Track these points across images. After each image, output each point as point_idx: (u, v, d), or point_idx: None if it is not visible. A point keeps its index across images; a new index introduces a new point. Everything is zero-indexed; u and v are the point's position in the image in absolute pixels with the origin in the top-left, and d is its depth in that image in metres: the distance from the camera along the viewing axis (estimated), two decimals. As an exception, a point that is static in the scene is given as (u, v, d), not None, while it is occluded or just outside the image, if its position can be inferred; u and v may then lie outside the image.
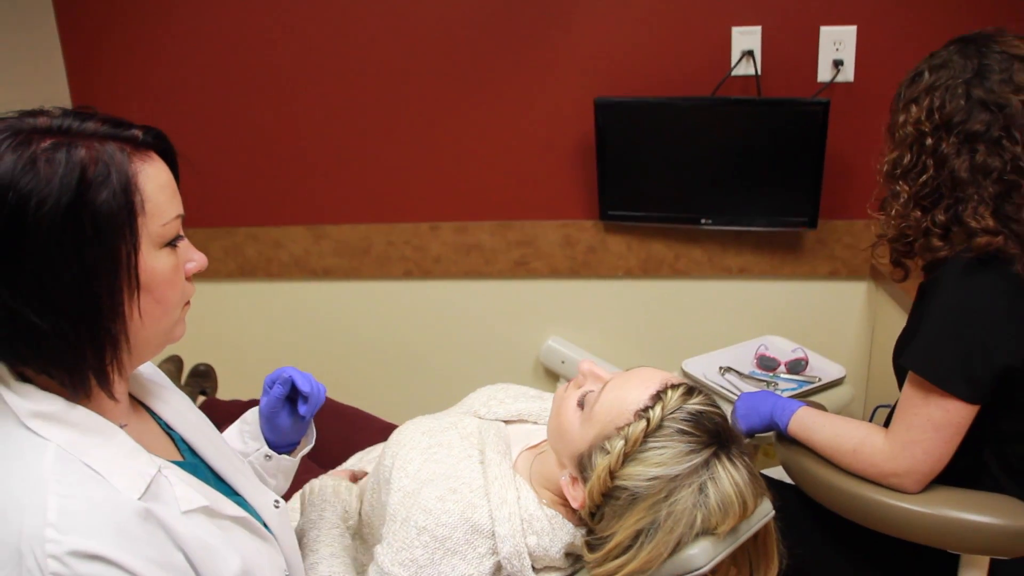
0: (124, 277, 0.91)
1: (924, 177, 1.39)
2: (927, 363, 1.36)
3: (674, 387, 1.15)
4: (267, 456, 1.33)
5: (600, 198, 2.44)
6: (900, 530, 1.40)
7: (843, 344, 2.49)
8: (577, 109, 2.38)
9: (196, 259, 1.02)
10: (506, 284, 2.63)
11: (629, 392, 1.16)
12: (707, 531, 1.10)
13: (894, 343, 1.72)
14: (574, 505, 1.18)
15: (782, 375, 2.20)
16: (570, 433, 1.19)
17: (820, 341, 2.41)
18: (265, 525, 1.13)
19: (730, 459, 1.11)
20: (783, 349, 2.31)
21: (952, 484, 1.41)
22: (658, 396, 1.14)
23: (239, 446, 1.33)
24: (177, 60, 2.52)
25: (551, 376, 2.68)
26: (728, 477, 1.10)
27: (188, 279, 1.01)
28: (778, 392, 2.06)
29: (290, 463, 1.36)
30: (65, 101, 2.54)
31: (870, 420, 1.92)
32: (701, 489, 1.09)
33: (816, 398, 2.08)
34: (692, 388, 1.16)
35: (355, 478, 1.52)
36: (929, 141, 1.38)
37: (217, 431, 1.21)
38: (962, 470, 1.40)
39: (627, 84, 2.34)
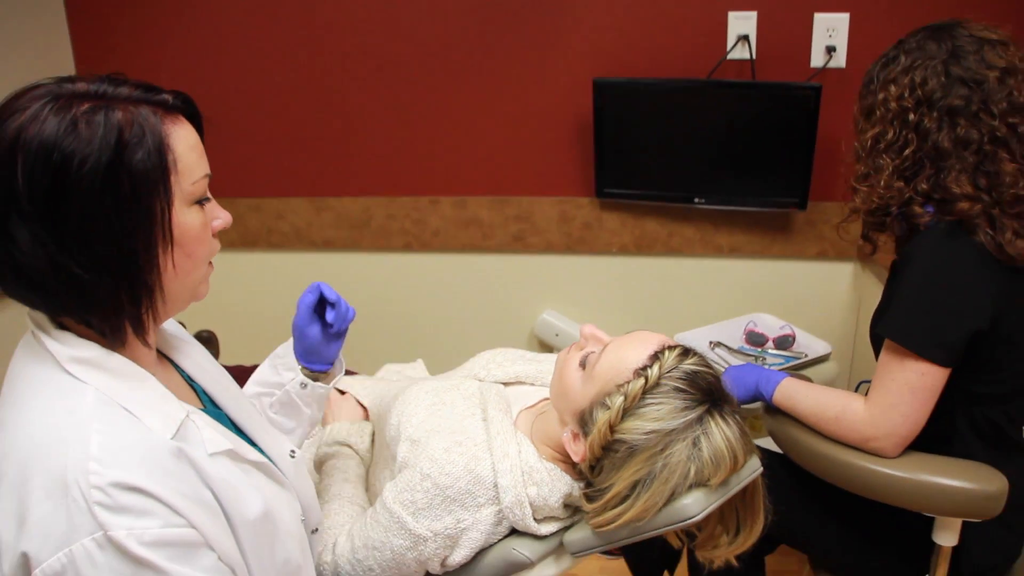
0: (159, 232, 0.96)
1: (907, 150, 1.48)
2: (902, 330, 1.45)
3: (671, 348, 1.24)
4: (303, 384, 1.40)
5: (596, 176, 2.50)
6: (881, 494, 1.48)
7: (830, 322, 2.57)
8: (576, 89, 2.44)
9: (222, 217, 1.07)
10: (503, 258, 2.69)
11: (628, 352, 1.24)
12: (700, 483, 1.18)
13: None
14: (575, 459, 1.26)
15: (770, 351, 2.28)
16: (572, 391, 1.27)
17: (807, 319, 2.49)
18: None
19: (722, 416, 1.19)
20: (771, 326, 2.39)
21: (926, 449, 1.49)
22: (656, 356, 1.22)
23: (273, 378, 1.41)
24: (181, 34, 2.57)
25: (545, 348, 2.75)
26: (720, 432, 1.18)
27: (214, 235, 1.07)
28: (766, 366, 2.14)
29: (324, 390, 1.43)
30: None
31: (853, 393, 2.00)
32: (695, 443, 1.17)
33: (802, 373, 2.15)
34: (688, 349, 1.24)
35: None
36: (911, 116, 1.47)
37: (236, 384, 1.27)
38: (935, 435, 1.48)
39: (625, 65, 2.40)
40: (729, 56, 2.35)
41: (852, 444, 1.49)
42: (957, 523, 1.48)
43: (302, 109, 2.59)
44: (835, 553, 1.68)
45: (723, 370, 1.82)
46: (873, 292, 2.45)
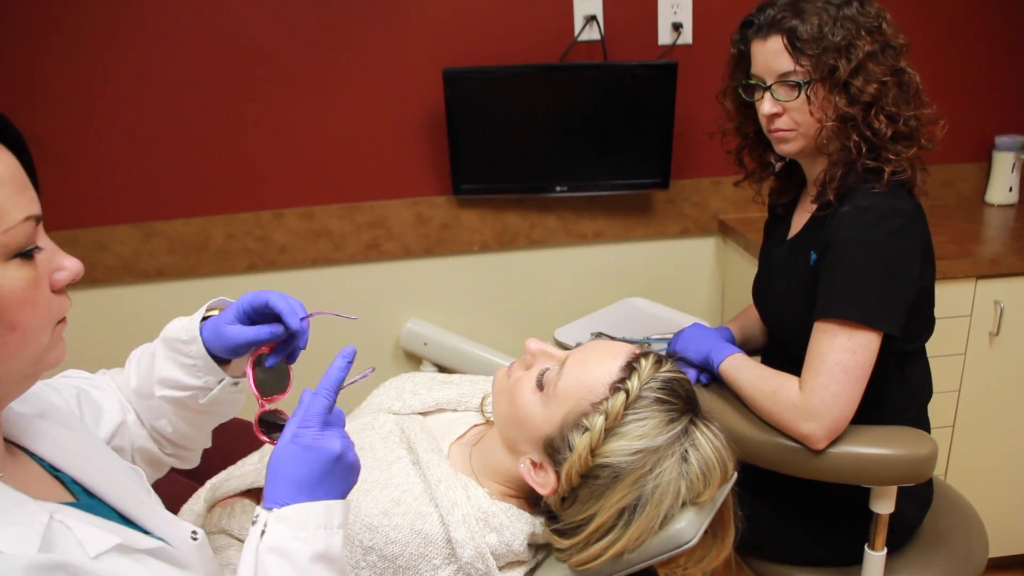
0: None
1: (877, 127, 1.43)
2: (854, 307, 1.39)
3: (644, 356, 1.12)
4: (235, 382, 1.13)
5: (452, 172, 2.37)
6: (814, 471, 1.45)
7: (698, 297, 2.58)
8: (425, 81, 2.30)
9: (68, 266, 0.84)
10: (358, 269, 2.51)
11: (597, 366, 1.11)
12: (691, 500, 1.08)
13: (748, 291, 1.81)
14: (542, 491, 1.13)
15: (653, 336, 2.24)
16: (531, 417, 1.13)
17: (678, 297, 2.48)
18: None
19: (706, 424, 1.10)
20: (646, 310, 2.35)
21: (859, 409, 1.47)
22: (630, 366, 1.10)
23: (193, 381, 1.11)
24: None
25: (413, 360, 2.60)
26: (708, 442, 1.08)
27: (57, 291, 0.84)
28: (651, 348, 2.10)
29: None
30: None
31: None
32: (684, 457, 1.07)
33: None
34: (660, 356, 1.13)
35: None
36: (885, 96, 1.42)
37: (114, 457, 1.03)
38: (865, 401, 1.47)
39: (475, 54, 2.29)
40: (579, 38, 2.29)
41: (785, 425, 1.45)
42: (893, 490, 1.47)
43: (119, 122, 2.28)
44: (766, 539, 1.65)
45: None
46: (736, 262, 2.47)
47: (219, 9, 2.22)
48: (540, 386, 1.14)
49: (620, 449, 1.06)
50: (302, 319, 1.04)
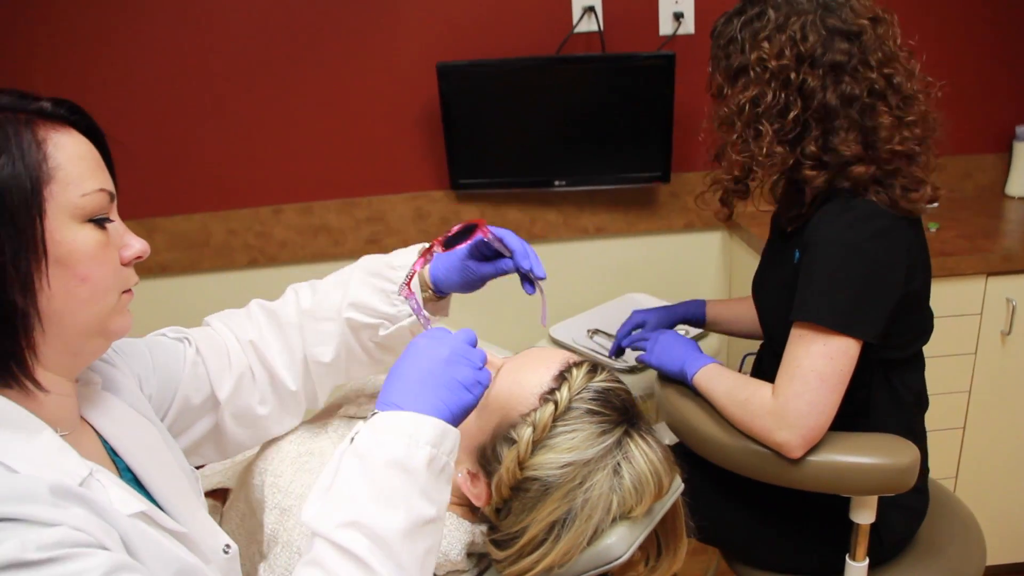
0: (26, 243, 0.79)
1: (792, 113, 1.36)
2: (828, 311, 1.34)
3: (577, 365, 1.08)
4: (427, 318, 1.15)
5: (450, 167, 2.35)
6: (791, 480, 1.40)
7: (703, 293, 2.51)
8: (420, 76, 2.27)
9: (136, 245, 0.90)
10: (359, 264, 2.50)
11: (529, 375, 1.07)
12: (623, 515, 1.04)
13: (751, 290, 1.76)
14: (477, 503, 1.09)
15: (651, 332, 2.19)
16: (466, 427, 1.08)
17: (682, 293, 2.42)
18: None
19: (641, 436, 1.05)
20: (647, 306, 2.30)
21: (843, 423, 1.41)
22: (562, 376, 1.06)
23: (388, 309, 1.21)
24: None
25: (415, 355, 2.58)
26: (642, 455, 1.04)
27: (126, 265, 0.90)
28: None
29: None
30: None
31: (739, 369, 1.94)
32: (616, 471, 1.03)
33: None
34: (595, 365, 1.09)
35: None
36: (793, 76, 1.35)
37: (180, 456, 1.04)
38: (852, 409, 1.41)
39: (470, 48, 2.25)
40: (576, 29, 2.24)
41: (759, 434, 1.40)
42: (873, 500, 1.42)
43: (117, 120, 2.27)
44: (752, 546, 1.60)
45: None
46: (742, 258, 2.41)
47: (215, 6, 2.22)
48: None
49: (549, 462, 1.02)
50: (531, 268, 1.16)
